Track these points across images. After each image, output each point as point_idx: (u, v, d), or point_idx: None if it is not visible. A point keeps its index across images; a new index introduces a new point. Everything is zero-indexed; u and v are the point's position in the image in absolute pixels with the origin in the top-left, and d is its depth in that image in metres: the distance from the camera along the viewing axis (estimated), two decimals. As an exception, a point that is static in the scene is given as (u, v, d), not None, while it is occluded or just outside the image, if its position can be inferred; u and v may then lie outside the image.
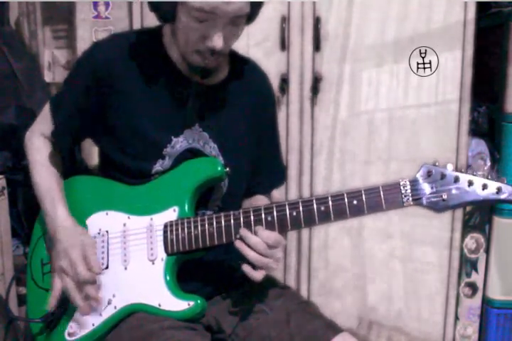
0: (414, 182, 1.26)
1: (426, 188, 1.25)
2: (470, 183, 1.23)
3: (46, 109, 1.54)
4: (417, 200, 1.25)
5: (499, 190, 1.22)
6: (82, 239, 1.43)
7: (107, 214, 1.47)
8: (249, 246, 1.32)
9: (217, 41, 1.32)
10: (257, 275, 1.33)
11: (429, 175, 1.25)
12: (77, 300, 1.39)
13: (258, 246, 1.31)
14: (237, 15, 1.31)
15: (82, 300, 1.39)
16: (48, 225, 1.48)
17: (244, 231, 1.33)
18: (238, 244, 1.33)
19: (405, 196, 1.26)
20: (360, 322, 2.19)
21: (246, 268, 1.33)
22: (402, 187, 1.26)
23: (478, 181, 1.23)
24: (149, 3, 1.36)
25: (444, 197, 1.24)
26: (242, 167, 1.52)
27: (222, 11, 1.28)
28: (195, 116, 1.46)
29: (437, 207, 1.25)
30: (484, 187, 1.23)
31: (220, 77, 1.49)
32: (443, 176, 1.24)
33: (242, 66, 1.54)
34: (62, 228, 1.44)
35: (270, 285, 1.53)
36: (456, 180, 1.24)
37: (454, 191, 1.23)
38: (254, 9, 1.35)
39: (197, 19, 1.30)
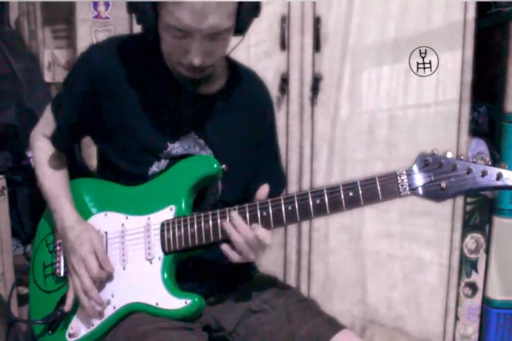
0: (410, 172, 1.24)
1: (423, 177, 1.23)
2: (469, 170, 1.19)
3: (48, 111, 1.55)
4: (413, 190, 1.23)
5: (499, 176, 1.18)
6: (90, 235, 1.43)
7: (105, 215, 1.48)
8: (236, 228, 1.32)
9: (195, 58, 1.31)
10: (234, 256, 1.33)
11: (426, 163, 1.23)
12: (84, 301, 1.39)
13: (246, 232, 1.31)
14: (214, 32, 1.28)
15: (88, 301, 1.39)
16: (57, 224, 1.48)
17: (234, 214, 1.32)
18: (226, 224, 1.32)
19: (402, 186, 1.24)
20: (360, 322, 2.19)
21: (225, 247, 1.33)
22: (398, 177, 1.24)
23: (478, 168, 1.19)
24: (135, 17, 1.33)
25: (443, 185, 1.21)
26: (238, 174, 1.50)
27: (194, 28, 1.26)
28: (190, 123, 1.46)
29: (436, 196, 1.22)
30: (484, 173, 1.18)
31: (217, 86, 1.49)
32: (440, 165, 1.22)
33: (240, 76, 1.53)
34: (69, 226, 1.45)
35: (271, 284, 1.54)
36: (455, 167, 1.21)
37: (452, 179, 1.20)
38: (243, 23, 1.33)
39: (174, 35, 1.29)
